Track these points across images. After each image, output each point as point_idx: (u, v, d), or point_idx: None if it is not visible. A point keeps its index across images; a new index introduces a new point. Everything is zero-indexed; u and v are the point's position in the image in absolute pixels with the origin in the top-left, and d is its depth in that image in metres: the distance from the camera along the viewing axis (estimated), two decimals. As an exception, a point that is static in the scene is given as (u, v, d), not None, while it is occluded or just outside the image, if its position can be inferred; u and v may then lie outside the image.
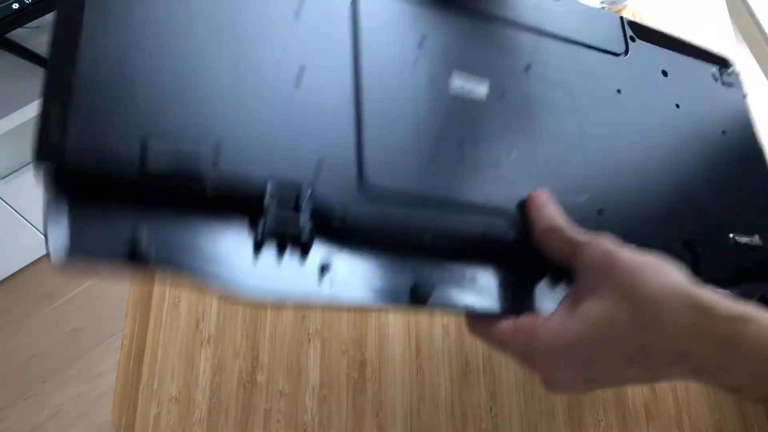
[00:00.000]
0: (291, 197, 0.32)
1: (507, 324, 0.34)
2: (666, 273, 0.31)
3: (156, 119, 0.30)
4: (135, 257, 0.28)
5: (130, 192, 0.29)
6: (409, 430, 0.55)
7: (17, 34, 1.20)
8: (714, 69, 0.55)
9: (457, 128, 0.39)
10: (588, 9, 0.51)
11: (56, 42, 0.29)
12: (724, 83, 0.55)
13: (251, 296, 0.30)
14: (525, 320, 0.34)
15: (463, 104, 0.40)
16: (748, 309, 0.30)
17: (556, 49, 0.47)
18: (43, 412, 1.37)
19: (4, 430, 1.36)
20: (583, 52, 0.48)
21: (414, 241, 0.36)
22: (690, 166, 0.49)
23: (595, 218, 0.41)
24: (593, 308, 0.31)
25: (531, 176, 0.41)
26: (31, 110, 1.19)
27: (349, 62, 0.37)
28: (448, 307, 0.36)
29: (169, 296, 0.62)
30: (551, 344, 0.32)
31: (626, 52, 0.51)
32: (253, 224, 0.31)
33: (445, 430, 0.55)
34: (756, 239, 0.48)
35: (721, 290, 0.33)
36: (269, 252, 0.31)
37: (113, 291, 1.49)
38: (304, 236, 0.31)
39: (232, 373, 0.58)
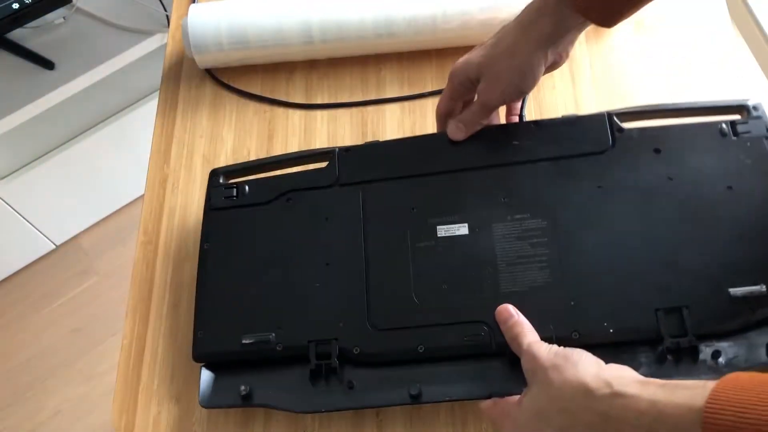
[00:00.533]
0: (325, 348, 0.52)
1: (487, 404, 0.49)
2: (567, 369, 0.43)
3: (243, 324, 0.54)
4: (243, 402, 0.52)
5: (236, 364, 0.54)
6: (409, 430, 0.55)
7: (17, 34, 1.20)
8: (724, 123, 0.54)
9: (445, 263, 0.53)
10: (571, 120, 0.56)
11: (196, 298, 0.57)
12: (737, 134, 0.53)
13: (310, 411, 0.53)
14: (499, 403, 0.48)
15: (451, 241, 0.53)
16: (622, 387, 0.40)
17: (535, 170, 0.55)
18: (43, 412, 1.37)
19: (5, 430, 1.36)
20: (563, 163, 0.55)
21: (410, 355, 0.51)
22: (681, 236, 0.50)
23: (569, 309, 0.50)
24: (529, 401, 0.45)
25: (510, 285, 0.51)
26: (31, 110, 1.19)
27: (360, 244, 0.55)
28: (439, 400, 0.50)
29: (169, 297, 0.62)
30: (511, 425, 0.47)
31: (613, 145, 0.54)
32: (304, 366, 0.52)
33: (445, 430, 0.55)
34: (762, 288, 0.48)
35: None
36: (317, 381, 0.52)
37: (113, 291, 1.49)
38: (334, 368, 0.52)
39: (232, 373, 0.58)
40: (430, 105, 0.68)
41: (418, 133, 0.67)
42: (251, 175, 0.61)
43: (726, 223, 0.50)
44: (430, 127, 0.68)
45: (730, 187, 0.51)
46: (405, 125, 0.69)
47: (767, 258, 0.49)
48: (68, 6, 1.20)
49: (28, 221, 1.38)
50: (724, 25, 0.71)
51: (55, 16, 1.22)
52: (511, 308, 0.50)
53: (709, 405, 0.36)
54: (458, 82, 0.56)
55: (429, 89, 0.70)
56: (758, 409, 0.34)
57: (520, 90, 0.54)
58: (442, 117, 0.59)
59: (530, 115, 0.68)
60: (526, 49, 0.52)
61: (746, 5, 0.97)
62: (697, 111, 0.56)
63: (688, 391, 0.38)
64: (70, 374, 1.41)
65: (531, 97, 0.68)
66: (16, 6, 1.07)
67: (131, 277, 0.63)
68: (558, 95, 0.69)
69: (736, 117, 0.55)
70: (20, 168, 1.30)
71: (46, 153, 1.31)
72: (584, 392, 0.42)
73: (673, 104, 0.57)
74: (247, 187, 0.59)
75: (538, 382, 0.45)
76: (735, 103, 0.55)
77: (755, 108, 0.54)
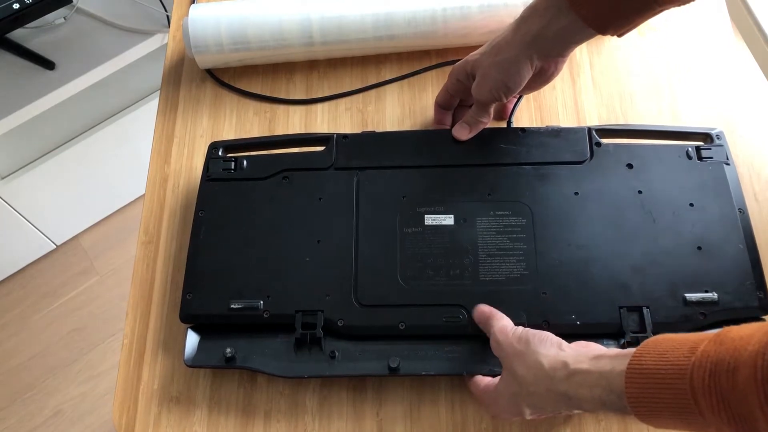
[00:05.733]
0: (311, 318, 0.55)
1: (473, 384, 0.52)
2: (528, 357, 0.46)
3: (232, 290, 0.57)
4: (227, 363, 0.55)
5: (223, 327, 0.57)
6: (409, 430, 0.55)
7: (18, 34, 1.20)
8: (690, 147, 0.60)
9: (430, 249, 0.57)
10: (555, 131, 0.61)
11: (187, 262, 0.59)
12: (701, 158, 0.59)
13: (292, 376, 0.55)
14: (480, 385, 0.52)
15: (437, 230, 0.58)
16: (576, 365, 0.44)
17: (519, 172, 0.60)
18: (43, 412, 1.37)
19: (4, 430, 1.36)
20: (545, 168, 0.59)
21: (392, 331, 0.54)
22: (645, 244, 0.56)
23: (541, 300, 0.55)
24: (503, 386, 0.49)
25: (488, 274, 0.56)
26: (31, 110, 1.19)
27: (352, 225, 0.58)
28: (416, 374, 0.53)
29: (169, 296, 0.62)
30: (493, 406, 0.50)
31: (591, 156, 0.60)
32: (289, 335, 0.55)
33: (445, 430, 0.55)
34: (713, 295, 0.54)
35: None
36: (300, 350, 0.55)
37: (113, 291, 1.49)
38: (318, 338, 0.55)
39: (233, 373, 0.58)
40: (429, 105, 0.68)
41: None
42: (249, 151, 0.64)
43: (686, 236, 0.56)
44: (428, 126, 0.68)
45: (691, 204, 0.57)
46: (405, 124, 0.69)
47: (720, 269, 0.55)
48: (69, 6, 1.20)
49: (28, 221, 1.38)
50: (724, 26, 0.71)
51: (55, 17, 1.22)
52: (485, 307, 0.53)
53: (635, 355, 0.40)
54: (455, 78, 0.60)
55: (429, 89, 0.70)
56: (677, 351, 0.38)
57: (507, 86, 0.56)
58: (439, 107, 0.64)
59: (530, 113, 0.68)
60: (511, 47, 0.54)
61: (746, 6, 0.97)
62: (668, 134, 0.62)
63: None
64: (70, 374, 1.41)
65: (531, 98, 0.68)
66: (16, 6, 1.07)
67: (131, 277, 0.63)
68: (558, 95, 0.69)
69: (701, 143, 0.60)
70: (20, 168, 1.30)
71: (46, 153, 1.31)
72: (544, 376, 0.45)
73: (647, 126, 0.63)
74: (245, 162, 0.62)
75: (506, 369, 0.48)
76: (701, 131, 0.61)
77: (718, 137, 0.61)
